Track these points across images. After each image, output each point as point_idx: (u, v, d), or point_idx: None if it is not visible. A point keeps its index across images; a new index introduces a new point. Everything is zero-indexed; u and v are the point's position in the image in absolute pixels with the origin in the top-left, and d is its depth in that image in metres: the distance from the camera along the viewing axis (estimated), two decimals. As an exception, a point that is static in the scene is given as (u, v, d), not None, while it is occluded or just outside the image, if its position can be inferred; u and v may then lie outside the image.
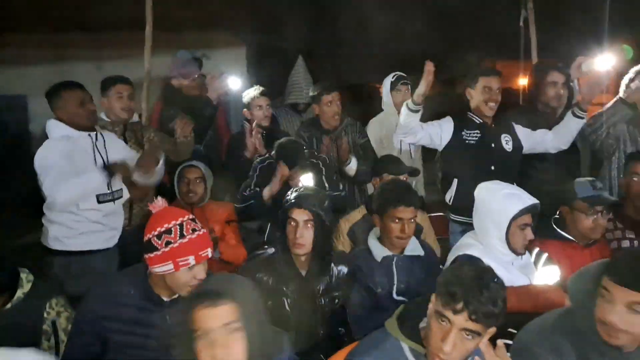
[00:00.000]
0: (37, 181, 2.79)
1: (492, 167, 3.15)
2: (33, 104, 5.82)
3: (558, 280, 2.50)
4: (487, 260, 2.39)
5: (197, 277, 1.93)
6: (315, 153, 3.44)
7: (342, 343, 2.49)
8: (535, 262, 2.58)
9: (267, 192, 3.11)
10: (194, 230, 1.94)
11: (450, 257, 2.57)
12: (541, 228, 2.61)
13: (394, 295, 2.59)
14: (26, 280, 2.20)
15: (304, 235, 2.36)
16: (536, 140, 3.29)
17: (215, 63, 4.37)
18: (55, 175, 2.72)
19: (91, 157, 2.91)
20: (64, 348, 2.11)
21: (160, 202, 2.00)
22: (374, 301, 2.59)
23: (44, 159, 2.77)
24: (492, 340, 1.66)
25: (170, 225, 1.92)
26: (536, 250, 2.61)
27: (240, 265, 3.08)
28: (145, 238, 1.95)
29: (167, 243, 1.90)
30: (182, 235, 1.91)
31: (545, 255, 2.59)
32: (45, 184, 2.73)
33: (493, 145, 3.21)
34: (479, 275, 1.62)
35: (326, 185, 3.24)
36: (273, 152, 3.25)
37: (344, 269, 2.52)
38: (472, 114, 3.26)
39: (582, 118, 3.18)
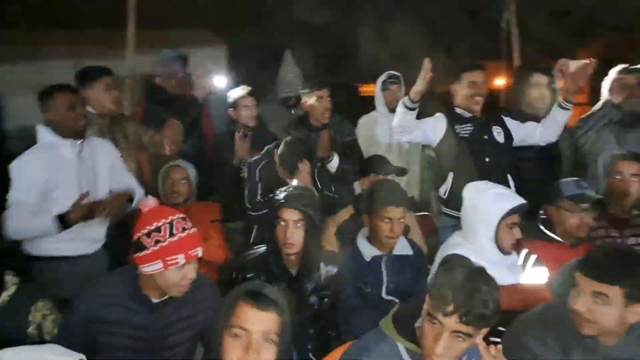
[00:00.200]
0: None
1: (487, 159, 3.18)
2: (9, 103, 5.68)
3: (547, 280, 2.53)
4: (475, 260, 2.42)
5: (188, 277, 1.91)
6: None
7: (331, 343, 2.49)
8: (524, 264, 2.61)
9: None
10: (184, 229, 1.91)
11: (439, 256, 2.59)
12: (529, 229, 2.64)
13: (384, 295, 2.61)
14: (11, 283, 2.14)
15: (294, 235, 2.36)
16: (526, 133, 3.33)
17: (197, 61, 4.32)
18: (19, 198, 2.58)
19: (73, 171, 2.72)
20: (52, 349, 2.06)
21: (150, 201, 1.97)
22: (363, 301, 2.60)
23: (19, 170, 2.63)
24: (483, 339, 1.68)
25: (159, 224, 1.89)
26: (525, 251, 2.64)
27: (221, 265, 3.08)
28: (135, 237, 1.92)
29: (157, 242, 1.87)
30: (171, 234, 1.88)
31: (533, 257, 2.61)
32: (9, 199, 2.60)
33: (486, 137, 3.24)
34: (470, 278, 1.63)
35: (319, 185, 3.23)
36: (263, 152, 3.22)
37: (332, 269, 2.52)
38: (460, 109, 3.27)
39: (568, 109, 3.22)
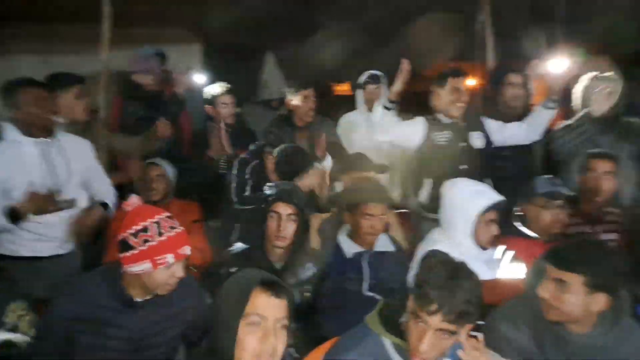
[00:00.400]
0: None
1: (463, 167, 3.20)
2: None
3: (524, 276, 2.58)
4: (454, 255, 2.46)
5: (176, 275, 1.88)
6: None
7: (313, 339, 2.49)
8: (501, 260, 2.65)
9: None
10: (172, 227, 1.89)
11: (419, 253, 2.62)
12: (505, 226, 2.70)
13: (365, 291, 2.61)
14: (-16, 283, 2.08)
15: (286, 229, 2.38)
16: (510, 133, 3.36)
17: (171, 58, 4.27)
18: None
19: (36, 171, 2.60)
20: (29, 350, 2.01)
21: (134, 200, 1.94)
22: (344, 297, 2.60)
23: None
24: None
25: (146, 223, 1.86)
26: (502, 248, 2.68)
27: (206, 267, 3.04)
28: (120, 237, 1.88)
29: (145, 241, 1.84)
30: (160, 233, 1.86)
31: (510, 253, 2.66)
32: None
33: (463, 144, 3.27)
34: (452, 275, 1.65)
35: None
36: (252, 151, 3.19)
37: (313, 266, 2.52)
38: (440, 115, 3.30)
39: (552, 109, 3.28)
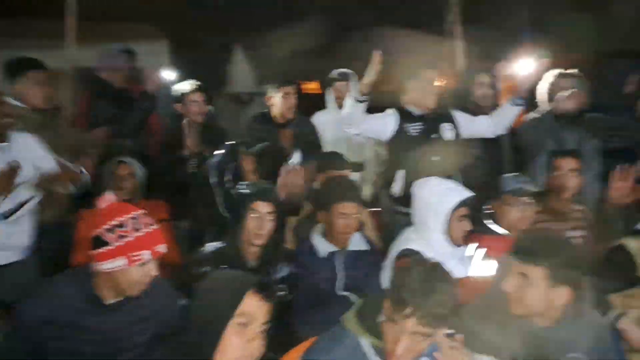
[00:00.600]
0: None
1: (433, 158, 3.22)
2: None
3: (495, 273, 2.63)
4: (428, 254, 2.48)
5: (150, 274, 1.84)
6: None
7: (287, 340, 2.49)
8: (473, 257, 2.69)
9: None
10: (149, 224, 1.85)
11: (393, 252, 2.63)
12: (475, 224, 2.74)
13: (338, 291, 2.62)
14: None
15: (265, 227, 2.37)
16: (477, 127, 3.41)
17: (139, 55, 4.19)
18: None
19: None
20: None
21: (109, 197, 1.89)
22: (318, 297, 2.60)
23: None
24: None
25: (123, 219, 1.82)
26: (473, 245, 2.72)
27: (175, 266, 2.99)
28: (94, 234, 1.83)
29: (121, 237, 1.80)
30: (137, 229, 1.82)
31: (481, 250, 2.70)
32: None
33: (434, 135, 3.29)
34: (426, 277, 1.64)
35: None
36: (224, 152, 3.13)
37: (286, 266, 2.52)
38: (411, 106, 3.31)
39: (519, 106, 3.34)
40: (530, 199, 2.82)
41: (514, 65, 3.46)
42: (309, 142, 3.66)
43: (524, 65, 3.42)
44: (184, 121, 3.47)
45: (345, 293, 2.61)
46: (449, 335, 1.70)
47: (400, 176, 3.27)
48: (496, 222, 2.85)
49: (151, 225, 1.87)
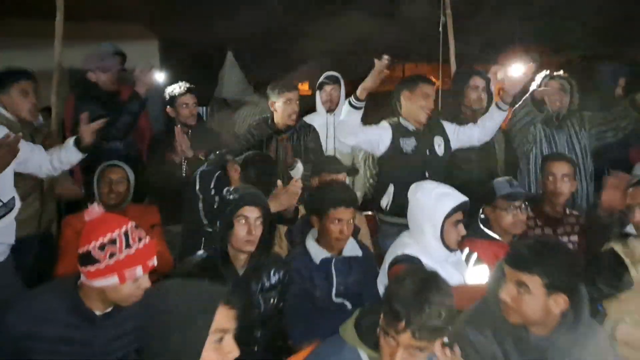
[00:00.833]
0: None
1: (426, 174, 3.21)
2: None
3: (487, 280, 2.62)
4: (423, 259, 2.48)
5: (142, 287, 1.80)
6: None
7: (282, 348, 2.46)
8: (466, 262, 2.69)
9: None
10: (139, 238, 1.80)
11: (388, 257, 2.61)
12: (470, 228, 2.72)
13: (333, 298, 2.59)
14: None
15: (255, 232, 2.31)
16: (464, 137, 3.39)
17: (128, 56, 4.14)
18: None
19: None
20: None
21: (96, 209, 1.83)
22: (313, 304, 2.58)
23: None
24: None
25: (114, 235, 1.76)
26: (466, 250, 2.71)
27: (167, 273, 2.94)
28: (82, 249, 1.78)
29: (112, 255, 1.75)
30: (128, 245, 1.77)
31: (474, 255, 2.70)
32: None
33: (428, 152, 3.27)
34: (420, 289, 1.61)
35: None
36: (213, 160, 3.09)
37: (279, 273, 2.47)
38: (405, 120, 3.29)
39: (504, 110, 3.33)
40: (524, 204, 2.82)
41: (505, 68, 3.45)
42: (309, 150, 3.61)
43: (514, 69, 3.40)
44: (176, 124, 3.42)
45: (340, 300, 2.58)
46: (446, 346, 1.68)
47: (390, 191, 3.25)
48: (489, 226, 2.84)
49: (142, 239, 1.82)
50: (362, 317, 1.77)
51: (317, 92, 3.98)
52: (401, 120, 3.29)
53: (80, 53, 3.75)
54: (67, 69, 3.83)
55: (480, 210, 2.89)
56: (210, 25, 5.19)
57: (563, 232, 3.04)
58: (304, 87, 7.39)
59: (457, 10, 4.23)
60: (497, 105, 3.34)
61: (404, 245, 2.58)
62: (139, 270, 1.78)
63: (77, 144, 2.85)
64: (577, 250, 2.94)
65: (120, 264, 1.75)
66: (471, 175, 3.44)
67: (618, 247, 2.34)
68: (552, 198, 3.05)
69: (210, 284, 1.57)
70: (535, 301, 1.80)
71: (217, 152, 3.11)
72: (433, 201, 2.55)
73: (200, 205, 3.00)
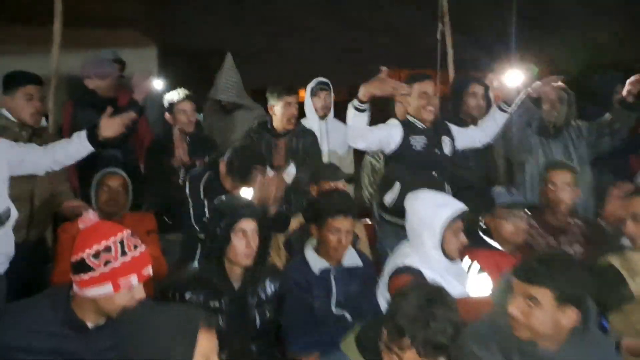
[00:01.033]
0: None
1: (434, 173, 3.19)
2: None
3: (490, 288, 2.59)
4: (423, 269, 2.44)
5: (136, 297, 1.75)
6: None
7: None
8: (468, 272, 2.65)
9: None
10: (135, 246, 1.76)
11: (388, 267, 2.57)
12: (471, 238, 2.69)
13: (333, 309, 2.55)
14: None
15: (253, 245, 2.28)
16: (467, 139, 3.38)
17: (126, 62, 4.12)
18: None
19: None
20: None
21: (91, 216, 1.80)
22: (312, 315, 2.53)
23: None
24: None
25: (109, 243, 1.72)
26: (467, 259, 2.68)
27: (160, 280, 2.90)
28: (76, 257, 1.73)
29: (107, 262, 1.70)
30: (124, 253, 1.73)
31: (476, 265, 2.66)
32: None
33: (437, 151, 3.24)
34: (424, 304, 1.58)
35: None
36: (205, 163, 3.06)
37: (275, 284, 2.43)
38: (414, 118, 3.25)
39: (506, 112, 3.31)
40: (525, 213, 2.79)
41: (503, 76, 3.44)
42: (307, 154, 3.59)
43: (512, 77, 3.39)
44: (175, 131, 3.39)
45: (340, 311, 2.54)
46: None
47: (396, 188, 3.20)
48: (490, 235, 2.81)
49: (137, 247, 1.78)
50: (363, 332, 1.74)
51: (309, 98, 3.95)
52: (410, 118, 3.26)
53: (78, 60, 3.75)
54: (65, 75, 3.82)
55: (480, 219, 2.87)
56: (209, 32, 5.19)
57: (566, 241, 3.00)
58: (302, 93, 7.39)
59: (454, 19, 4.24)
60: (498, 106, 3.33)
61: (404, 256, 2.53)
62: (133, 279, 1.73)
63: (89, 137, 2.68)
64: (581, 260, 2.91)
65: (115, 272, 1.71)
66: (471, 181, 3.44)
67: (615, 260, 2.32)
68: (554, 207, 3.02)
69: (187, 308, 1.53)
70: (546, 315, 1.76)
71: (212, 156, 3.09)
72: (430, 211, 2.51)
73: (191, 210, 2.97)
